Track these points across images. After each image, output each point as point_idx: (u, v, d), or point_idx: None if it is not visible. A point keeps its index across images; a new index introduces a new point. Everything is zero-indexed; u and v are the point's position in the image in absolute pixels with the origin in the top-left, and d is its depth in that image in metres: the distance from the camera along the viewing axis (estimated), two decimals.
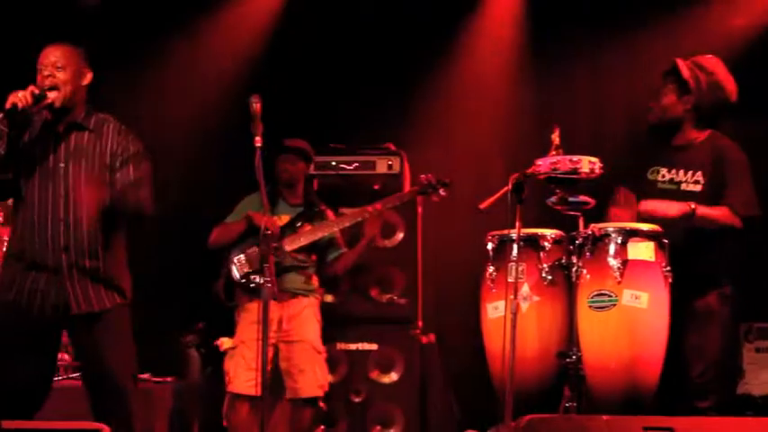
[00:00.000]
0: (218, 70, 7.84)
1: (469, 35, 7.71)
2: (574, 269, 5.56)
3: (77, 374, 6.54)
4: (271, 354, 6.14)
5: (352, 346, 6.78)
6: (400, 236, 6.92)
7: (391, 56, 7.61)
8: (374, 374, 6.76)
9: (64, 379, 6.47)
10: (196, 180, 7.67)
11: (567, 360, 5.55)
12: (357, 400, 6.74)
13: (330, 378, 6.49)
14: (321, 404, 6.38)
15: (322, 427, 6.56)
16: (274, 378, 6.20)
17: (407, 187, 6.96)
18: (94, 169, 4.82)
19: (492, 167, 7.31)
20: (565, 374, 5.60)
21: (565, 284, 5.63)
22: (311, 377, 6.27)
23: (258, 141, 5.13)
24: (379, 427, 6.72)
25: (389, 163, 6.97)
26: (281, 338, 6.27)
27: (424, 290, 6.92)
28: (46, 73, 4.77)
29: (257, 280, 5.90)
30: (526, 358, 5.48)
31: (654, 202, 5.64)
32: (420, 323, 6.85)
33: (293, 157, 6.49)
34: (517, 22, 7.63)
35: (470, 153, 7.64)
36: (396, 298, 6.84)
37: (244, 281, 6.29)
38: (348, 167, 6.98)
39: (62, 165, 4.79)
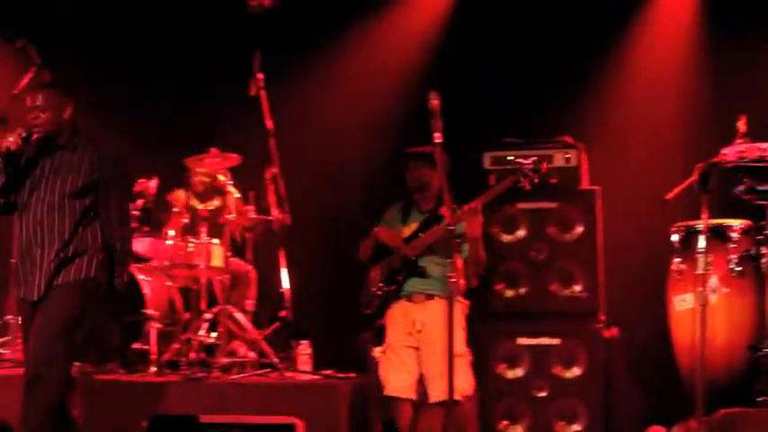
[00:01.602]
0: (392, 69, 7.91)
1: (647, 23, 7.58)
2: (764, 260, 5.47)
3: (264, 371, 6.70)
4: (415, 356, 6.13)
5: (534, 341, 6.73)
6: (580, 229, 6.81)
7: (567, 47, 7.54)
8: (557, 369, 6.69)
9: (249, 375, 6.62)
10: (374, 178, 7.75)
11: (759, 353, 5.45)
12: (540, 395, 6.70)
13: (470, 381, 6.20)
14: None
15: (505, 422, 6.56)
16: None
17: (586, 180, 6.90)
18: (69, 182, 5.51)
19: (672, 157, 7.16)
20: (755, 367, 5.50)
21: (754, 275, 5.57)
22: (442, 383, 5.72)
23: (438, 137, 5.15)
24: (562, 423, 6.65)
25: (567, 156, 6.88)
26: (422, 341, 6.19)
27: (606, 283, 6.82)
28: (32, 116, 5.52)
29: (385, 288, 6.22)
30: (715, 351, 5.41)
31: None
32: (602, 317, 6.76)
33: (417, 162, 6.40)
34: (695, 9, 7.48)
35: (650, 143, 7.49)
36: (577, 292, 6.77)
37: (373, 289, 6.32)
38: (525, 162, 6.91)
39: (44, 178, 5.54)
